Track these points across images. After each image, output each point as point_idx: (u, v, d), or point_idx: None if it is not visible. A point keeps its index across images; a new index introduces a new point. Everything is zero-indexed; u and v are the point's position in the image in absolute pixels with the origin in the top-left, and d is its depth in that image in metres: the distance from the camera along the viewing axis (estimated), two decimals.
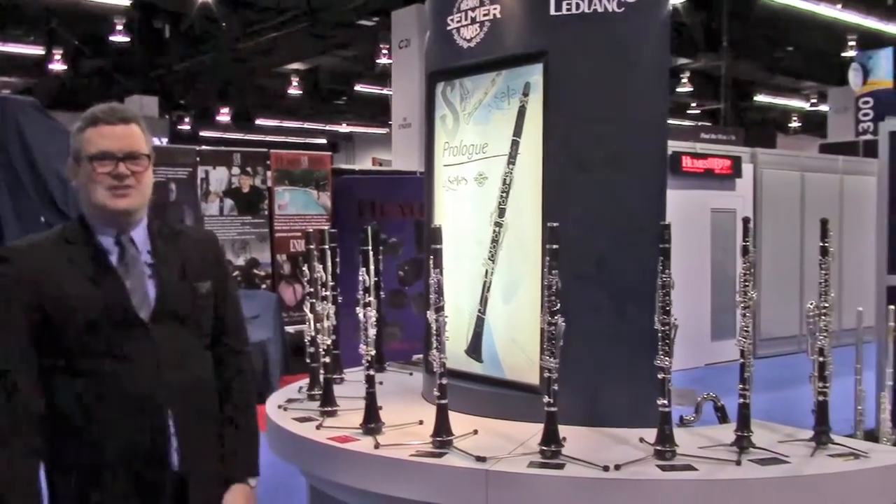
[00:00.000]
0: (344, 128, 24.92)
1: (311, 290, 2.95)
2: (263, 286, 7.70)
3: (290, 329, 7.54)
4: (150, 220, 2.02)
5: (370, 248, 2.56)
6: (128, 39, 14.83)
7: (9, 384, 1.81)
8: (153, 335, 1.91)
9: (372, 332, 2.48)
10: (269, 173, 8.07)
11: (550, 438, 2.18)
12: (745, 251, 2.30)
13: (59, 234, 1.95)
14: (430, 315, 2.36)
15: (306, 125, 24.04)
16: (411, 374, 3.38)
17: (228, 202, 7.84)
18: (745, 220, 2.32)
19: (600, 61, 2.56)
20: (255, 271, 7.79)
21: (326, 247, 2.91)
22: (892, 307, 3.22)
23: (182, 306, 1.98)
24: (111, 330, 1.87)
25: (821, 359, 2.28)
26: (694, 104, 20.84)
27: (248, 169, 7.96)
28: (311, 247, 3.05)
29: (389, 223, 6.91)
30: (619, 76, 2.56)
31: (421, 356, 3.58)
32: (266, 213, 7.95)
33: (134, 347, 1.89)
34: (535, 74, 2.60)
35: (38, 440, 1.83)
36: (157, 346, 1.90)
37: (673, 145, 8.76)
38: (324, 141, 25.57)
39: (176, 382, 1.92)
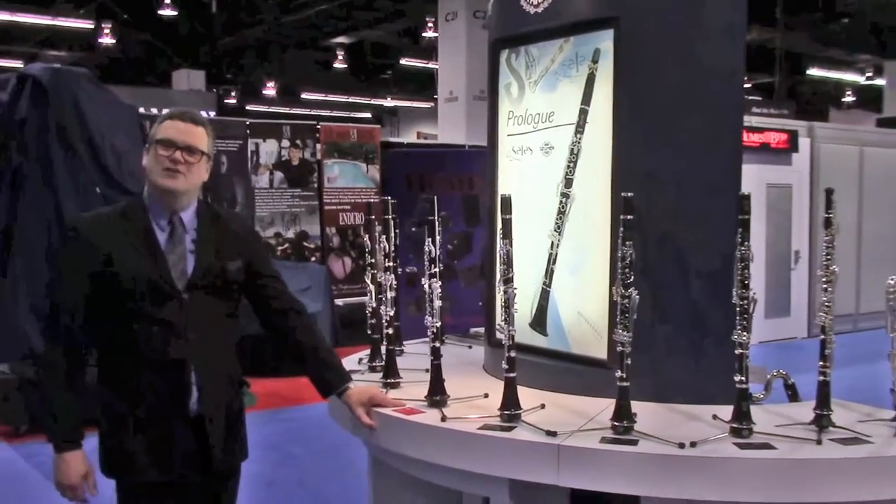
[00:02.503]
0: (388, 102, 24.88)
1: (372, 260, 2.95)
2: (313, 259, 7.73)
3: (339, 302, 7.58)
4: (199, 205, 2.29)
5: (437, 217, 2.53)
6: (175, 13, 14.91)
7: (63, 325, 2.14)
8: (185, 303, 2.19)
9: (437, 303, 2.46)
10: (318, 146, 8.08)
11: (623, 414, 2.13)
12: (827, 223, 2.22)
13: (121, 211, 2.24)
14: (499, 287, 2.33)
15: (351, 99, 24.05)
16: (470, 347, 3.37)
17: (278, 175, 7.88)
18: (829, 192, 2.24)
19: (673, 26, 2.48)
20: (305, 244, 7.83)
21: (389, 216, 2.90)
22: None
23: (213, 281, 2.25)
24: (152, 298, 2.17)
25: None
26: (745, 78, 20.30)
27: (298, 142, 7.97)
28: (372, 217, 3.03)
29: (438, 197, 6.89)
30: (692, 41, 2.48)
31: (478, 329, 3.59)
32: (315, 185, 7.97)
33: (168, 313, 2.18)
34: (605, 40, 2.53)
35: (82, 375, 2.18)
36: (187, 312, 2.19)
37: None
38: (368, 115, 25.56)
39: (200, 342, 2.21)
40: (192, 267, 2.23)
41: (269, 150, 7.84)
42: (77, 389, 2.17)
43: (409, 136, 23.55)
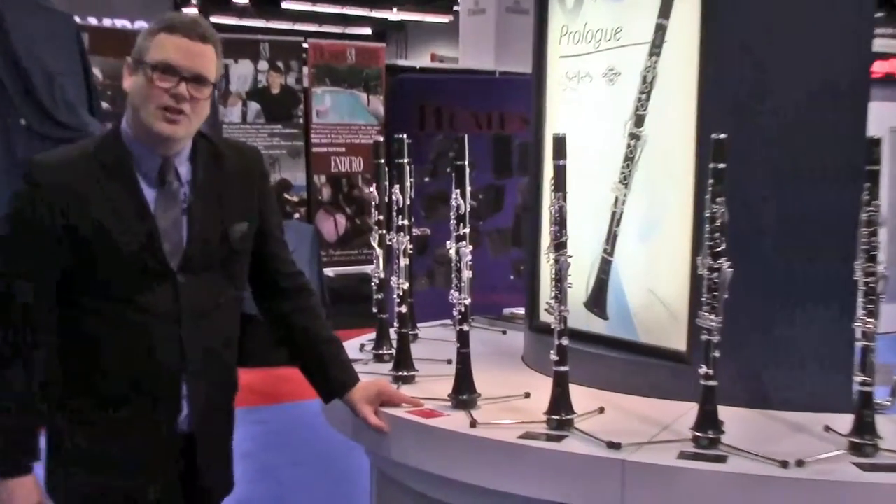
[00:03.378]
0: (394, 14, 24.76)
1: (381, 217, 2.94)
2: (296, 215, 7.73)
3: (328, 272, 7.57)
4: (194, 142, 2.20)
5: (466, 161, 2.51)
6: None
7: (18, 309, 2.04)
8: (179, 286, 2.14)
9: (467, 274, 2.45)
10: (305, 70, 8.03)
11: (708, 422, 2.10)
12: None
13: (92, 153, 2.12)
14: (548, 254, 2.31)
15: (347, 10, 23.95)
16: (504, 332, 3.38)
17: (254, 106, 7.85)
18: None
19: None
20: (287, 196, 7.83)
21: (405, 160, 2.88)
22: None
23: (214, 254, 2.20)
24: (136, 279, 2.10)
25: None
26: None
27: (279, 64, 7.93)
28: (381, 161, 3.02)
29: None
30: None
31: (514, 310, 3.62)
32: (301, 121, 7.93)
33: (157, 298, 2.12)
34: None
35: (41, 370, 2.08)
36: (181, 298, 2.14)
37: None
38: (368, 31, 25.48)
39: (196, 340, 2.17)
40: (187, 235, 2.15)
41: (241, 74, 7.80)
42: (28, 399, 2.05)
43: (420, 59, 23.43)
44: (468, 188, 2.51)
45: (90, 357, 2.11)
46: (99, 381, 2.12)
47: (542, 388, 2.34)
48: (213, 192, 2.20)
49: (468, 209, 2.49)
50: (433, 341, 3.20)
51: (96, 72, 7.01)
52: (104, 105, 7.01)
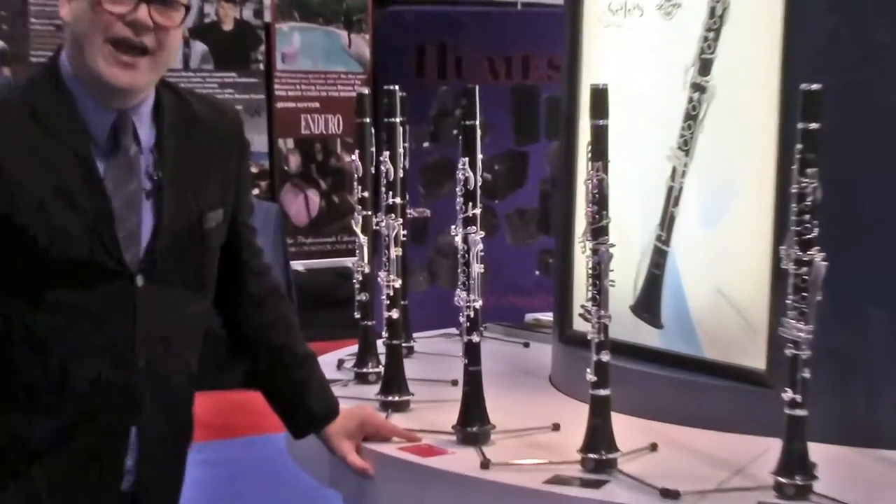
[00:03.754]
0: None
1: (365, 194, 2.96)
2: (256, 192, 7.70)
3: (297, 265, 7.55)
4: (157, 92, 2.08)
5: (477, 121, 2.50)
6: None
7: None
8: (137, 295, 2.02)
9: (477, 268, 2.45)
10: (265, 0, 8.01)
11: (795, 464, 2.08)
12: None
13: (22, 100, 1.99)
14: (583, 243, 2.30)
15: None
16: (527, 344, 3.41)
17: (199, 47, 7.82)
18: None
19: None
20: None
21: (397, 119, 2.86)
22: None
23: (185, 252, 2.10)
24: (79, 281, 1.97)
25: None
26: None
27: None
28: (364, 120, 3.01)
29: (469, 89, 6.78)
30: None
31: (539, 316, 3.64)
32: (261, 67, 7.91)
33: (105, 310, 2.00)
34: None
35: None
36: (139, 313, 2.02)
37: None
38: None
39: (153, 376, 2.07)
40: (153, 223, 2.05)
41: None
42: None
43: None
44: (479, 156, 2.49)
45: (16, 381, 1.99)
46: (17, 426, 2.00)
47: (576, 417, 2.34)
48: (186, 165, 2.10)
49: (479, 183, 2.48)
50: (433, 356, 3.22)
51: None
52: None
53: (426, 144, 5.66)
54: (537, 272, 4.39)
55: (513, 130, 6.60)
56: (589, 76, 2.88)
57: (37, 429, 1.99)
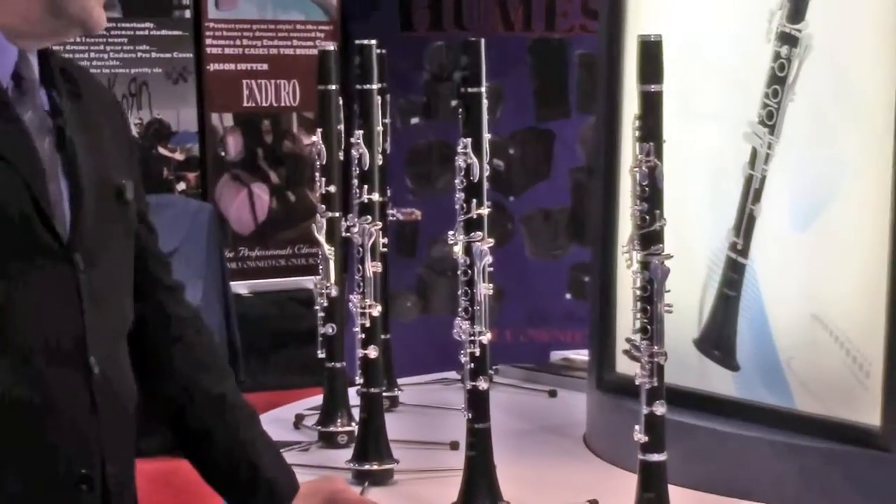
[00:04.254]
0: None
1: (331, 188, 3.01)
2: (181, 187, 7.71)
3: (239, 288, 7.55)
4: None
5: (482, 88, 2.54)
6: None
7: None
8: (81, 279, 2.05)
9: (484, 290, 2.50)
10: None
11: None
12: None
13: None
14: (628, 254, 2.36)
15: None
16: (553, 393, 3.45)
17: None
18: None
19: None
20: (163, 151, 7.82)
21: (374, 86, 2.87)
22: None
23: (112, 225, 2.14)
24: (9, 255, 1.98)
25: None
26: None
27: None
28: (329, 87, 3.08)
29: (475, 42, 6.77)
30: None
31: (569, 354, 3.70)
32: (188, 15, 7.91)
33: (46, 291, 2.02)
34: None
35: None
36: (86, 304, 2.04)
37: None
38: None
39: (107, 368, 2.09)
40: (69, 190, 2.09)
41: None
42: None
43: None
44: (487, 136, 2.56)
45: None
46: None
47: (620, 490, 2.42)
48: (83, 127, 2.16)
49: (487, 173, 2.52)
50: (425, 410, 3.23)
51: None
52: None
53: (415, 121, 5.60)
54: (568, 295, 4.38)
55: (533, 101, 6.61)
56: (635, 26, 2.91)
57: None
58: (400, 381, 3.40)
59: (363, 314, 2.81)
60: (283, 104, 8.07)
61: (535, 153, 6.02)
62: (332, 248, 2.98)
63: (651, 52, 2.32)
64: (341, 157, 2.99)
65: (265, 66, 7.64)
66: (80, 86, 2.21)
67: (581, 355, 3.41)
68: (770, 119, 2.71)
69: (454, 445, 2.78)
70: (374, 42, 2.94)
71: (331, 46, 3.22)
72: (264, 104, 7.84)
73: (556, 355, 3.70)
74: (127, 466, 2.21)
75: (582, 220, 5.25)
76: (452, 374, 3.41)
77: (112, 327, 2.14)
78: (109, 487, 2.11)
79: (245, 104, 7.95)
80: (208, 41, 8.01)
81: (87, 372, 2.06)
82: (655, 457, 2.28)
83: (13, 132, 2.01)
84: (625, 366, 2.69)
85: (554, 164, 5.69)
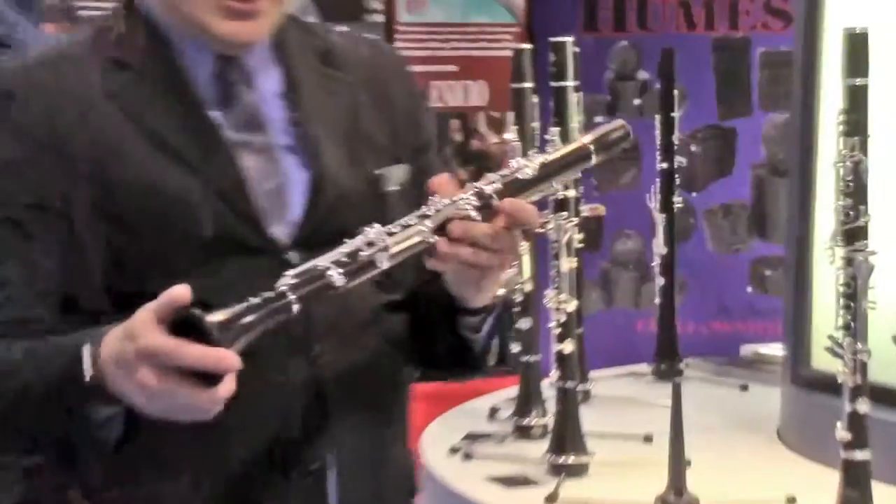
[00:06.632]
0: None
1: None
2: None
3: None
4: (280, 31, 2.07)
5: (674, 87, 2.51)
6: None
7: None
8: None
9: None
10: None
11: None
12: None
13: (95, 52, 2.04)
14: (831, 250, 2.33)
15: None
16: (745, 387, 3.47)
17: None
18: None
19: None
20: None
21: (569, 84, 2.83)
22: None
23: (360, 219, 1.91)
24: (213, 257, 1.98)
25: None
26: None
27: None
28: (525, 86, 3.08)
29: (654, 44, 6.69)
30: None
31: (761, 348, 3.77)
32: (380, 19, 7.95)
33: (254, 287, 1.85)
34: None
35: None
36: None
37: None
38: None
39: (338, 367, 2.08)
40: (306, 185, 2.05)
41: None
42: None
43: None
44: (676, 133, 2.55)
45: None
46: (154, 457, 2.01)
47: (819, 488, 2.40)
48: (332, 112, 2.09)
49: (676, 167, 2.53)
50: (616, 402, 3.28)
51: None
52: None
53: (599, 119, 5.60)
54: (749, 288, 4.32)
55: (715, 99, 6.55)
56: (834, 19, 2.88)
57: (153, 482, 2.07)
58: (591, 373, 3.41)
59: (558, 309, 2.74)
60: (471, 103, 8.09)
61: (717, 151, 6.03)
62: (526, 245, 2.94)
63: (858, 44, 2.29)
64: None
65: (454, 68, 7.63)
66: (330, 54, 2.15)
67: (772, 350, 3.36)
68: None
69: (648, 438, 2.82)
70: (570, 39, 2.87)
71: (526, 46, 3.19)
72: (453, 104, 7.84)
73: (747, 349, 3.70)
74: (359, 454, 2.14)
75: (764, 215, 5.21)
76: (642, 367, 3.48)
77: (350, 316, 2.06)
78: (338, 473, 2.06)
79: (434, 104, 7.97)
80: (399, 44, 8.03)
81: (311, 361, 2.05)
82: (859, 454, 2.24)
83: (210, 144, 2.01)
84: (822, 362, 2.62)
85: (735, 161, 5.72)
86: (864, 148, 2.26)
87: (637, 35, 6.54)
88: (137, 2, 2.00)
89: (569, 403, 2.75)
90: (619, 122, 1.95)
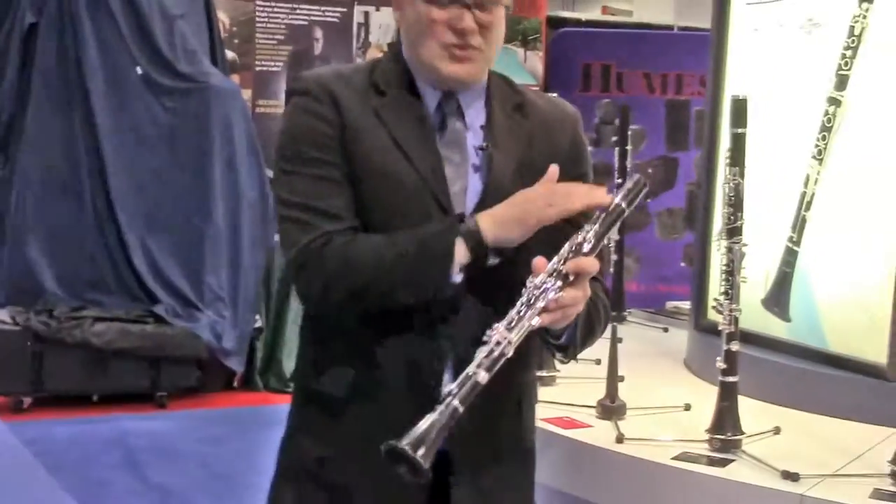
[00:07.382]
0: None
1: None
2: None
3: None
4: (491, 81, 2.02)
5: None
6: None
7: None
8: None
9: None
10: None
11: None
12: None
13: (366, 77, 2.00)
14: (718, 240, 2.31)
15: None
16: (666, 329, 3.41)
17: None
18: None
19: None
20: None
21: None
22: None
23: None
24: (406, 224, 1.90)
25: None
26: None
27: None
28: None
29: (629, 102, 6.62)
30: None
31: (679, 304, 3.64)
32: None
33: None
34: None
35: None
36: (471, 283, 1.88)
37: None
38: None
39: (469, 326, 1.88)
40: (480, 189, 1.96)
41: (383, 22, 7.79)
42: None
43: (590, 12, 23.09)
44: (629, 160, 2.48)
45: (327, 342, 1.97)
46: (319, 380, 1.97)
47: (706, 399, 2.32)
48: (515, 143, 2.00)
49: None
50: None
51: (221, 16, 7.07)
52: (229, 54, 7.08)
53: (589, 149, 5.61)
54: (682, 263, 4.32)
55: (665, 139, 6.51)
56: (731, 89, 2.85)
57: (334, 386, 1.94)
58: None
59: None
60: None
61: (666, 172, 5.96)
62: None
63: (740, 106, 2.28)
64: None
65: None
66: (522, 105, 2.03)
67: (687, 305, 3.34)
68: (820, 155, 2.65)
69: (597, 361, 2.60)
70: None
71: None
72: None
73: (670, 304, 3.70)
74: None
75: (693, 215, 5.21)
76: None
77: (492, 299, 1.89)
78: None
79: None
80: None
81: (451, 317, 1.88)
82: (730, 378, 2.21)
83: (427, 147, 1.93)
84: (714, 316, 2.59)
85: (677, 180, 5.74)
86: (741, 174, 2.28)
87: (615, 95, 6.46)
88: (400, 50, 2.02)
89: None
90: (637, 177, 1.87)
